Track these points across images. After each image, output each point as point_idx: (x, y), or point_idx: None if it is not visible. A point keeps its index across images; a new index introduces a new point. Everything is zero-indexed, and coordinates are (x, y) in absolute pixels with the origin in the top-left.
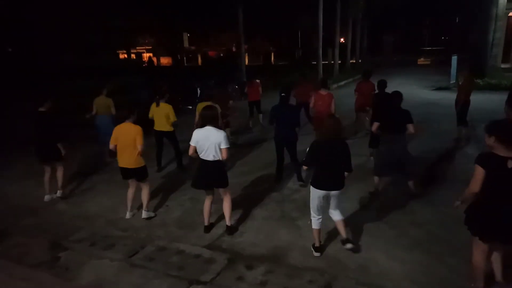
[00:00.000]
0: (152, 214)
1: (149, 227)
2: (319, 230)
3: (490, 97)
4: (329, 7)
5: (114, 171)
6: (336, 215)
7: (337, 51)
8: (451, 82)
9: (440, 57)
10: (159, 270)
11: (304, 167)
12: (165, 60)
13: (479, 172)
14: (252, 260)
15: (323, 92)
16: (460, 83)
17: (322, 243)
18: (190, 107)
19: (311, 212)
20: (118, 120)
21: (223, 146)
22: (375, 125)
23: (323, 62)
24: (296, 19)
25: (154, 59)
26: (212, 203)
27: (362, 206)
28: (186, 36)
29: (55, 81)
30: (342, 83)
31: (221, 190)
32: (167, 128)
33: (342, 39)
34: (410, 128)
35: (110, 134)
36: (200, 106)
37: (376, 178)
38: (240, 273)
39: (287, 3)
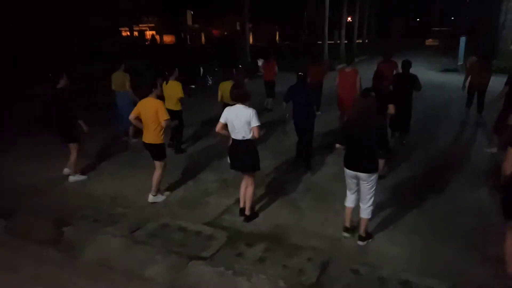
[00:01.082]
0: (160, 199)
1: (152, 205)
2: (351, 209)
3: (500, 80)
4: None
5: (121, 152)
6: (363, 213)
7: (343, 32)
8: (459, 64)
9: (448, 39)
10: (161, 246)
11: (337, 145)
12: (168, 38)
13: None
14: (252, 238)
15: (348, 69)
16: (467, 68)
17: (354, 225)
18: (193, 86)
19: (347, 190)
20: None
21: (254, 124)
22: (393, 107)
23: (329, 42)
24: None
25: (157, 37)
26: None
27: None
28: (190, 14)
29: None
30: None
31: (247, 174)
32: (176, 107)
33: (349, 18)
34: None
35: (128, 113)
36: (223, 85)
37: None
38: (240, 250)
39: None
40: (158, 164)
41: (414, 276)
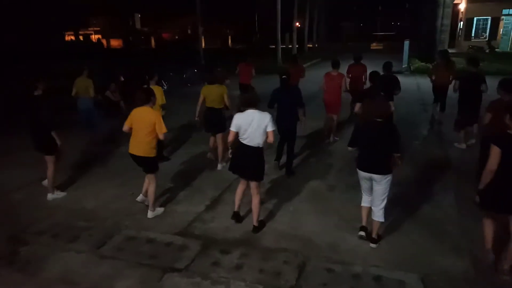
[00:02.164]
0: (160, 211)
1: (114, 216)
2: (367, 209)
3: None
4: None
5: (79, 160)
6: (376, 215)
7: (294, 35)
8: (403, 66)
9: (391, 42)
10: (130, 260)
11: (350, 148)
12: (115, 42)
13: (496, 152)
14: (226, 244)
15: (333, 73)
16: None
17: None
18: None
19: (362, 191)
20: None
21: (270, 128)
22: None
23: (281, 46)
24: (254, 2)
25: (104, 41)
26: (244, 190)
27: (329, 186)
28: (137, 17)
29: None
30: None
31: (253, 183)
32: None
33: (297, 23)
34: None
35: (93, 118)
36: (207, 89)
37: None
38: (215, 258)
39: None
40: (151, 177)
41: (385, 270)
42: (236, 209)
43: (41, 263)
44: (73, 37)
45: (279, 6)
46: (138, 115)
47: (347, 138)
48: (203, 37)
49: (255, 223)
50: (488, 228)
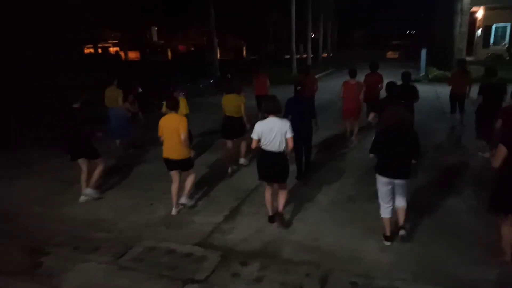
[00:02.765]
0: (192, 202)
1: (134, 228)
2: (389, 219)
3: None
4: (300, 2)
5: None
6: (399, 201)
7: (309, 46)
8: (421, 74)
9: (408, 49)
10: (150, 271)
11: (370, 155)
12: (133, 55)
13: (502, 151)
14: (245, 256)
15: (352, 81)
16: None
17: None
18: (164, 102)
19: (379, 200)
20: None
21: (289, 135)
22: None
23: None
24: (268, 13)
25: (122, 54)
26: (272, 193)
27: (349, 196)
28: (154, 30)
29: (17, 78)
30: (316, 76)
31: (279, 185)
32: None
33: (312, 34)
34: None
35: (121, 128)
36: (225, 99)
37: None
38: (235, 270)
39: None
40: (190, 173)
41: (410, 284)
42: (270, 213)
43: (62, 275)
44: (92, 50)
45: (293, 16)
46: (167, 122)
47: (363, 148)
48: (218, 48)
49: (281, 210)
50: (505, 230)
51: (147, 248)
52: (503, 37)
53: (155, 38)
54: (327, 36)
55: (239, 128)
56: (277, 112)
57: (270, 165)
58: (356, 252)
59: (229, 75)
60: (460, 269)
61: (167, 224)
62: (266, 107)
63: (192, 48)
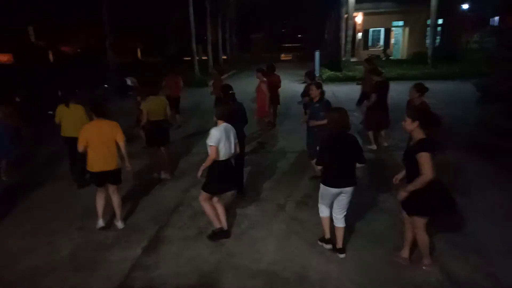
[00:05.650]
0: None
1: (32, 276)
2: (328, 218)
3: (352, 87)
4: (199, 3)
5: None
6: (339, 222)
7: (209, 47)
8: (316, 75)
9: (299, 53)
10: None
11: (318, 167)
12: (4, 57)
13: (429, 158)
14: None
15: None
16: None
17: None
18: (51, 112)
19: (319, 205)
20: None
21: (236, 140)
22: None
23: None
24: (166, 14)
25: None
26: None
27: (278, 205)
28: (31, 29)
29: None
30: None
31: (231, 194)
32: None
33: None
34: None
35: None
36: (152, 102)
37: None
38: None
39: None
40: (115, 188)
41: None
42: (219, 225)
43: None
44: None
45: (192, 17)
46: (95, 130)
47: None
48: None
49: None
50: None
51: None
52: (378, 40)
53: (33, 39)
54: (227, 39)
55: (167, 134)
56: (230, 120)
57: (231, 173)
58: (301, 269)
59: (128, 79)
60: (406, 272)
61: (75, 266)
62: (221, 113)
63: (79, 50)
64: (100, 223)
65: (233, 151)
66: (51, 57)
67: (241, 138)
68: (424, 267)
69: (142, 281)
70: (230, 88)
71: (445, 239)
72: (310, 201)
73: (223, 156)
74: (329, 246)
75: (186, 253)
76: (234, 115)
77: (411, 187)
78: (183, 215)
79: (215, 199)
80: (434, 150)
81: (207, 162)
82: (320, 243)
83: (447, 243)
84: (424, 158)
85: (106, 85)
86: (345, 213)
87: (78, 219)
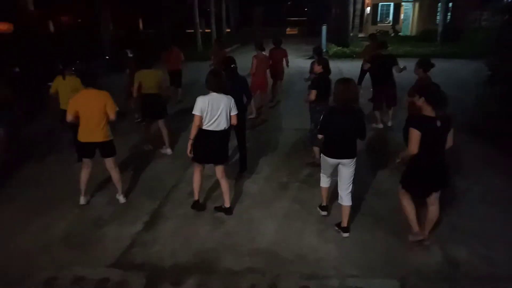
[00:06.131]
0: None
1: (25, 254)
2: (327, 189)
3: (359, 64)
4: None
5: None
6: (345, 200)
7: (213, 20)
8: (323, 51)
9: (307, 26)
10: None
11: (319, 136)
12: (3, 26)
13: (416, 134)
14: (177, 273)
15: (261, 55)
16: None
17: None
18: (50, 83)
19: (321, 175)
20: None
21: (234, 112)
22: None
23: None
24: None
25: None
26: (202, 176)
27: (280, 184)
28: None
29: None
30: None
31: (219, 167)
32: None
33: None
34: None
35: None
36: (141, 74)
37: (316, 149)
38: None
39: None
40: (112, 161)
41: (362, 280)
42: (197, 197)
43: None
44: None
45: None
46: (85, 99)
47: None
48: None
49: (228, 204)
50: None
51: (45, 279)
52: (388, 15)
53: (31, 6)
54: (229, 12)
55: (163, 107)
56: (223, 91)
57: (215, 145)
58: (299, 249)
59: (129, 51)
60: (407, 256)
61: (70, 242)
62: (213, 84)
63: (79, 20)
64: (82, 200)
65: (225, 124)
66: (51, 27)
67: (241, 112)
68: (425, 243)
69: (140, 258)
70: (233, 61)
71: (444, 222)
72: (312, 180)
73: (209, 126)
74: (324, 213)
75: (184, 231)
76: (233, 87)
77: (401, 155)
78: (183, 192)
79: (218, 174)
80: (423, 127)
81: (192, 132)
82: (318, 209)
83: (447, 226)
84: (410, 133)
85: (107, 57)
86: (350, 190)
87: (76, 195)
